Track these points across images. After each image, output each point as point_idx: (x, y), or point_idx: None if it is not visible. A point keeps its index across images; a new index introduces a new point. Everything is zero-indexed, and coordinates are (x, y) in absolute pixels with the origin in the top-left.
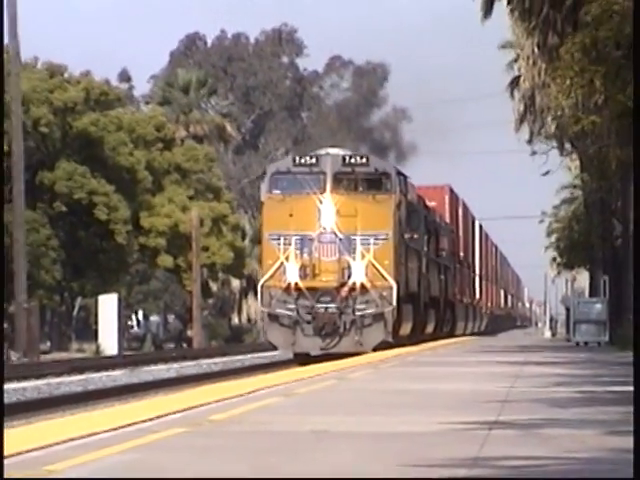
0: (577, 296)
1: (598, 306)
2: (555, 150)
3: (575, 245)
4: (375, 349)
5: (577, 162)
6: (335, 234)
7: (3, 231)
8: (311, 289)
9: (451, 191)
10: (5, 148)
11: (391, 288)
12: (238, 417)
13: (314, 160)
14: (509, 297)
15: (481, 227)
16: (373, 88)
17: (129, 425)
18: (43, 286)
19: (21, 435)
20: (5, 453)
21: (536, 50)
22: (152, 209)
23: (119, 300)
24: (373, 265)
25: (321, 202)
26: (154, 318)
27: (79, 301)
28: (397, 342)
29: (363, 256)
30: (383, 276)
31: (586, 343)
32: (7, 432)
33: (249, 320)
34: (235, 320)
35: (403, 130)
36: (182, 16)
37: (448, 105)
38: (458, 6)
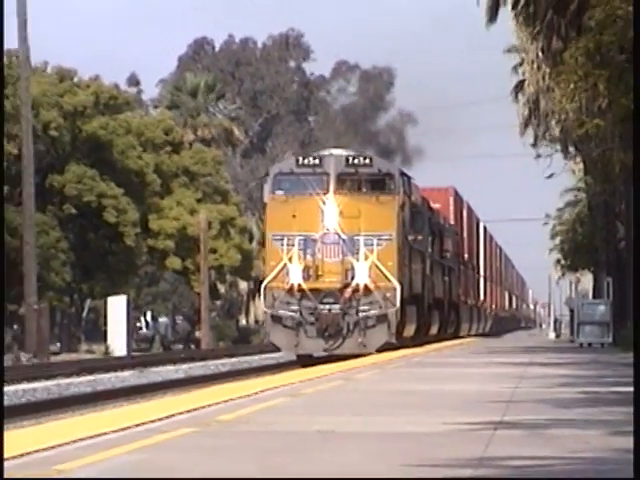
0: (581, 298)
1: (602, 308)
2: (559, 153)
3: (579, 247)
4: (378, 350)
5: (581, 165)
6: (338, 235)
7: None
8: (314, 290)
9: (456, 193)
10: (15, 151)
11: (395, 289)
12: (245, 417)
13: (317, 161)
14: (513, 299)
15: (485, 229)
16: (379, 92)
17: (138, 425)
18: (53, 288)
19: (31, 435)
20: (15, 453)
21: (540, 54)
22: (161, 212)
23: (128, 302)
24: (376, 266)
25: (324, 203)
26: (163, 319)
27: (88, 303)
28: (401, 343)
29: (366, 257)
30: (386, 277)
31: (590, 344)
32: (17, 432)
33: (256, 321)
34: (243, 321)
35: (409, 134)
36: (190, 21)
37: (453, 109)
38: (463, 11)
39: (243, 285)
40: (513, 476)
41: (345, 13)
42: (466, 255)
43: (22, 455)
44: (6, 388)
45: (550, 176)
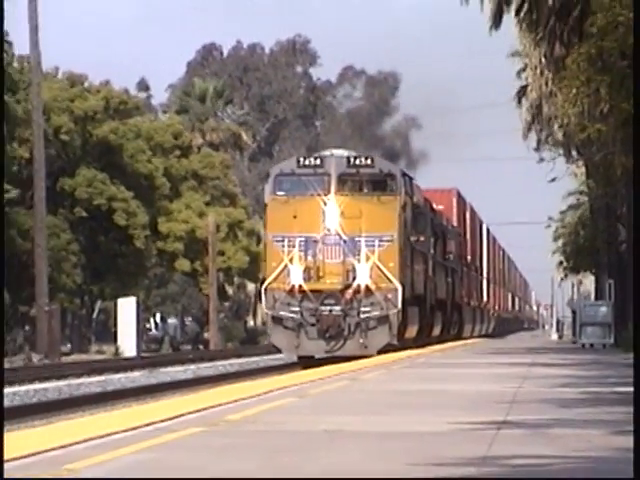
0: (583, 299)
1: (603, 309)
2: (562, 157)
3: (581, 250)
4: (380, 352)
5: (583, 169)
6: (339, 236)
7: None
8: (315, 291)
9: (458, 194)
10: (27, 155)
11: (396, 290)
12: (253, 417)
13: (318, 161)
14: (516, 300)
15: (488, 230)
16: (385, 97)
17: (147, 425)
18: (64, 289)
19: (42, 434)
20: (26, 452)
21: (543, 60)
22: (170, 215)
23: (138, 303)
24: (378, 267)
25: (325, 204)
26: (172, 321)
27: (99, 304)
28: (403, 345)
29: (368, 258)
30: (388, 278)
31: (592, 345)
32: (28, 431)
33: (264, 323)
34: (250, 322)
35: (413, 138)
36: (199, 27)
37: (457, 113)
38: (468, 17)
39: (251, 287)
40: (516, 475)
41: (351, 20)
42: (469, 257)
43: (33, 454)
44: (18, 388)
45: (553, 180)
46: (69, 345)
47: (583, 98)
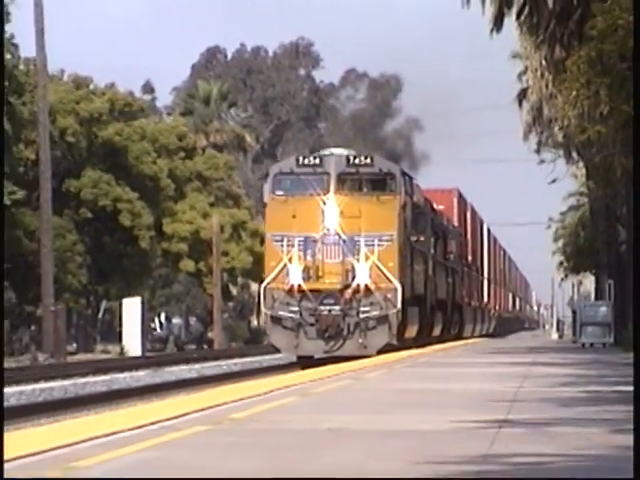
0: (583, 299)
1: (603, 309)
2: (562, 159)
3: (581, 250)
4: (379, 352)
5: (583, 170)
6: (339, 235)
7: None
8: (314, 291)
9: (459, 195)
10: (33, 157)
11: (396, 290)
12: (257, 415)
13: (317, 161)
14: (517, 300)
15: (489, 231)
16: (387, 99)
17: (152, 424)
18: (69, 290)
19: (48, 433)
20: (32, 450)
21: (544, 63)
22: (174, 215)
23: (142, 303)
24: (377, 267)
25: (324, 203)
26: (176, 320)
27: (104, 304)
28: (402, 345)
29: (367, 258)
30: (387, 278)
31: (592, 345)
32: (35, 430)
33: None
34: (254, 322)
35: (415, 139)
36: (203, 30)
37: (459, 115)
38: (469, 20)
39: (255, 287)
40: (518, 472)
41: (354, 23)
42: (470, 256)
43: (39, 452)
44: (24, 387)
45: (553, 181)
46: (75, 345)
47: (583, 100)
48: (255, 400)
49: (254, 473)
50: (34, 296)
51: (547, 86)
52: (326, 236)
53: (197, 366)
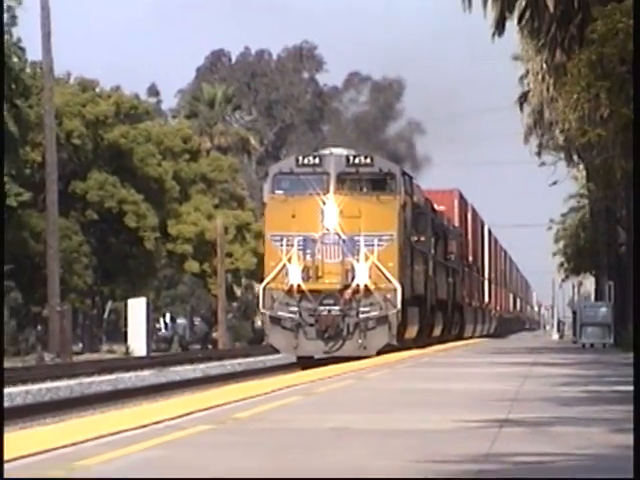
0: (583, 300)
1: (603, 310)
2: (562, 161)
3: (581, 251)
4: (379, 353)
5: (583, 172)
6: (338, 235)
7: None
8: (314, 291)
9: (460, 195)
10: (39, 159)
11: (395, 290)
12: (260, 415)
13: (317, 160)
14: (518, 301)
15: (490, 232)
16: (389, 102)
17: (157, 423)
18: (75, 290)
19: (53, 432)
20: (38, 449)
21: (544, 67)
22: (179, 217)
23: (148, 304)
24: (377, 267)
25: (324, 203)
26: (181, 321)
27: (110, 305)
28: (402, 345)
29: (367, 258)
30: (387, 278)
31: (592, 345)
32: (40, 429)
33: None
34: (258, 323)
35: (417, 142)
36: (208, 34)
37: (460, 118)
38: (471, 23)
39: (258, 287)
40: (518, 471)
41: (357, 27)
42: (471, 257)
43: (45, 451)
44: (31, 387)
45: (554, 183)
46: (80, 345)
47: (583, 103)
48: (258, 400)
49: (257, 472)
50: (40, 297)
51: (548, 89)
52: (326, 236)
53: (201, 366)
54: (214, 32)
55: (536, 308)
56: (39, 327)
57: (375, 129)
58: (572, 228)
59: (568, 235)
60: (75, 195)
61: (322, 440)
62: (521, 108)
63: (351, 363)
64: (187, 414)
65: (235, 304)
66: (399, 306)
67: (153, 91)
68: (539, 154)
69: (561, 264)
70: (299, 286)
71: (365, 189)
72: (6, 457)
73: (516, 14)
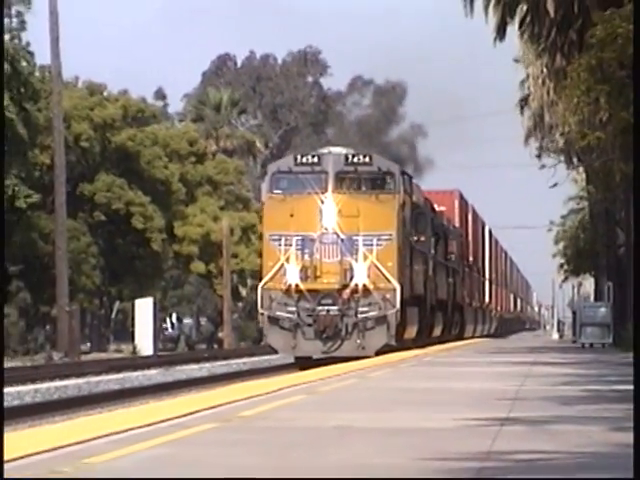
0: (583, 300)
1: (603, 310)
2: (562, 164)
3: (581, 253)
4: (378, 353)
5: (583, 175)
6: (337, 235)
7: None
8: (312, 291)
9: (461, 196)
10: (48, 162)
11: (394, 290)
12: (265, 414)
13: (316, 159)
14: (518, 301)
15: (491, 232)
16: (392, 105)
17: (163, 421)
18: (83, 290)
19: (62, 430)
20: (47, 447)
21: (545, 71)
22: (185, 219)
23: (154, 304)
24: (376, 266)
25: (323, 202)
26: (187, 321)
27: (117, 305)
28: (402, 345)
29: (365, 257)
30: (386, 278)
31: (591, 345)
32: (49, 427)
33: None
34: None
35: (419, 145)
36: (214, 38)
37: (462, 121)
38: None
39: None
40: (519, 469)
41: (360, 31)
42: (471, 257)
43: (53, 449)
44: (39, 385)
45: (554, 185)
46: (88, 344)
47: (583, 107)
48: (263, 398)
49: (262, 470)
50: (49, 297)
51: (548, 93)
52: (324, 235)
53: (207, 365)
54: (220, 37)
55: (536, 308)
56: (48, 327)
57: (378, 132)
58: (572, 230)
59: (568, 237)
60: (83, 197)
61: (325, 438)
62: (522, 111)
63: (353, 362)
64: (193, 412)
65: (240, 304)
66: (398, 306)
67: (160, 95)
68: (539, 157)
69: (561, 265)
70: (297, 286)
71: (364, 188)
72: (15, 455)
73: (517, 19)
